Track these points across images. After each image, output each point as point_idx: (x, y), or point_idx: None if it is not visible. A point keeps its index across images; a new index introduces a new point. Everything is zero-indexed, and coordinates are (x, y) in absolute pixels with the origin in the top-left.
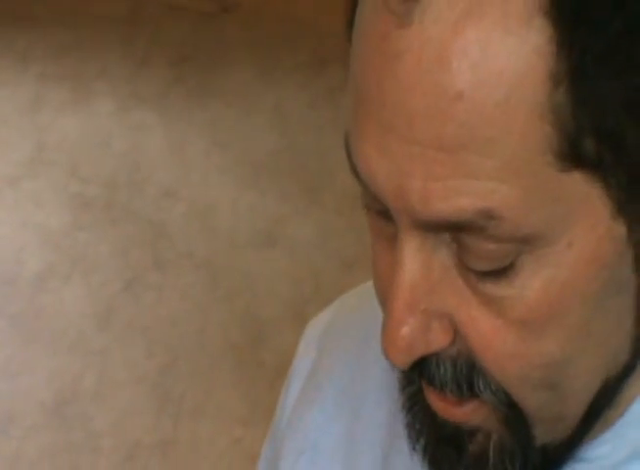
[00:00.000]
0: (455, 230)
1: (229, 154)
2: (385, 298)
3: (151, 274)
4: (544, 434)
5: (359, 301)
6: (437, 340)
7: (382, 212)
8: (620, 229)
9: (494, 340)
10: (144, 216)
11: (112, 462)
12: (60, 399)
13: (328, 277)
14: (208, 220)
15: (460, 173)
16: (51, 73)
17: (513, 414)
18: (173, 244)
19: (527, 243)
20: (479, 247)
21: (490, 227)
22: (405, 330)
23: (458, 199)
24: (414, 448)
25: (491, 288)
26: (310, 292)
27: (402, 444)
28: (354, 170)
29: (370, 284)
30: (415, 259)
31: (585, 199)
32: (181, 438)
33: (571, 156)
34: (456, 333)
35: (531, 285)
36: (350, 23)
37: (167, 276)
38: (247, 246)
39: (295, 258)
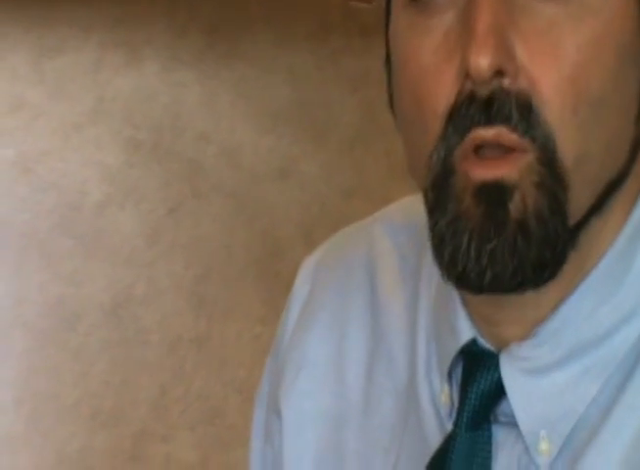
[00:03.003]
0: None
1: (252, 105)
2: (427, 89)
3: (189, 202)
4: (574, 199)
5: (345, 241)
6: (509, 64)
7: (430, 7)
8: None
9: (552, 72)
10: (183, 156)
11: (157, 354)
12: (116, 302)
13: (331, 204)
14: (235, 159)
15: None
16: (108, 41)
17: (550, 171)
18: (207, 178)
19: None
20: None
21: None
22: (489, 48)
23: None
24: (452, 263)
25: (551, 17)
26: (317, 216)
27: (383, 356)
28: None
29: (353, 226)
30: None
31: None
32: (213, 334)
33: None
34: (520, 71)
35: (582, 16)
36: None
37: (202, 204)
38: (265, 179)
39: (304, 189)
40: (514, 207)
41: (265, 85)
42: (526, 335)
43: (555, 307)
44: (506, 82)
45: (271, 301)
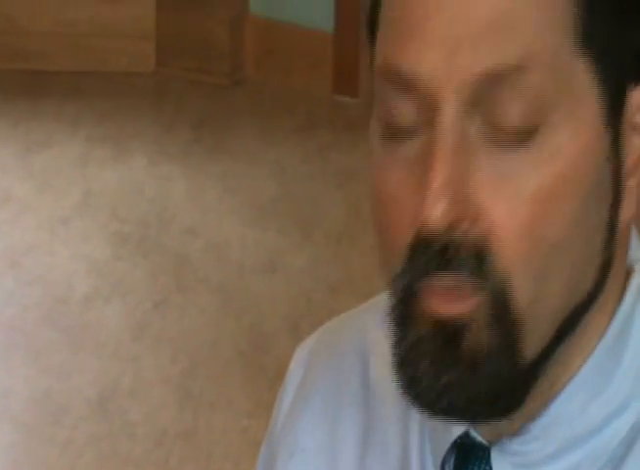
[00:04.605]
0: (494, 83)
1: (238, 199)
2: (391, 220)
3: (175, 296)
4: (529, 336)
5: (337, 328)
6: (464, 217)
7: (402, 132)
8: (607, 138)
9: (509, 218)
10: (170, 249)
11: (144, 447)
12: (102, 395)
13: (318, 298)
14: (222, 252)
15: (502, 36)
16: (95, 135)
17: (503, 312)
18: (193, 272)
19: (547, 111)
20: (509, 103)
21: (521, 81)
22: (443, 202)
23: (499, 53)
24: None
25: (512, 162)
26: (303, 310)
27: (376, 443)
28: (388, 79)
29: (346, 314)
30: (452, 132)
31: (588, 92)
32: (200, 427)
33: (585, 36)
34: (477, 218)
35: (544, 160)
36: None
37: (188, 298)
38: (252, 273)
39: (291, 283)
40: (466, 344)
41: (252, 179)
42: (518, 429)
43: (545, 404)
44: (461, 232)
45: (257, 394)
